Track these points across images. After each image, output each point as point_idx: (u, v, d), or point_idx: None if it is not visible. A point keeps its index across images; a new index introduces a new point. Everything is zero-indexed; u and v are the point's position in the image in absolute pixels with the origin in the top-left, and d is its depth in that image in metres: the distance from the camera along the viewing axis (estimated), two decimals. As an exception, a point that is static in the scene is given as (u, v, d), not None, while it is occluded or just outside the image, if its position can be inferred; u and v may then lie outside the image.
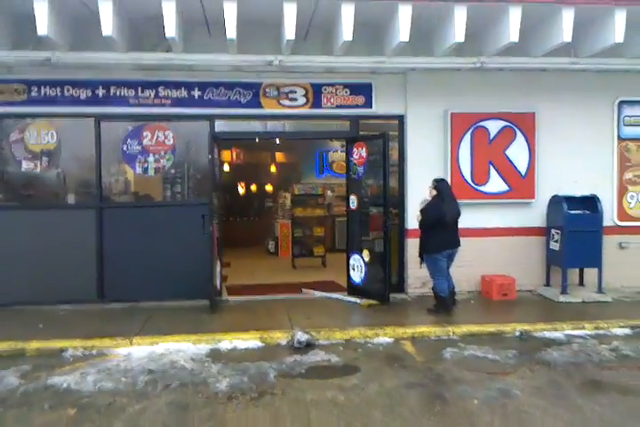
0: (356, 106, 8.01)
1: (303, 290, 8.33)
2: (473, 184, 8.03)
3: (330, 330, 6.36)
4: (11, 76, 7.47)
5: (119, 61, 7.06)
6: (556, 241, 7.87)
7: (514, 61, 7.53)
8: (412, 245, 7.72)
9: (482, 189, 8.05)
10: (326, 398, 4.65)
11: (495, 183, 8.05)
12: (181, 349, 5.92)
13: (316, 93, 7.94)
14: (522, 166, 8.10)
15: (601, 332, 6.53)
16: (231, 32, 6.41)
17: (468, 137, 8.00)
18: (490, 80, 8.02)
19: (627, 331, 6.54)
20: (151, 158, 7.86)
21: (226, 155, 15.23)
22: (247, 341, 6.14)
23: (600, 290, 7.76)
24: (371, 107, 8.03)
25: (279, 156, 15.33)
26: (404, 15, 6.52)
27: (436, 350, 5.87)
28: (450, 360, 5.57)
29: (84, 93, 7.60)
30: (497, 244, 8.20)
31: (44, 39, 6.37)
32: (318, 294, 8.14)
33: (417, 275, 7.96)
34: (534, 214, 8.26)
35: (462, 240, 7.34)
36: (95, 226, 7.75)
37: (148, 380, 5.07)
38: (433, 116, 8.06)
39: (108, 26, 6.17)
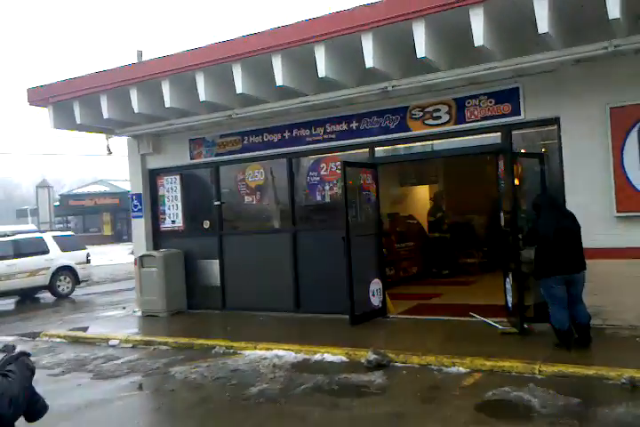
0: (503, 115, 7.41)
1: (471, 313, 8.00)
2: (643, 191, 6.45)
3: (413, 354, 6.29)
4: (231, 131, 9.65)
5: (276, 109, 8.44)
6: None
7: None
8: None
9: (656, 197, 6.38)
10: (311, 412, 5.01)
11: (676, 189, 6.28)
12: (282, 356, 6.86)
13: (459, 108, 7.68)
14: None
15: None
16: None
17: (634, 134, 6.47)
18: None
19: None
20: (327, 187, 8.92)
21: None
22: (335, 355, 6.64)
23: None
24: (519, 114, 7.30)
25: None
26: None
27: (493, 386, 5.26)
28: (486, 399, 5.00)
29: (275, 137, 9.23)
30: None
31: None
32: (478, 317, 7.74)
33: (587, 303, 6.69)
34: None
35: (633, 263, 6.09)
36: (291, 246, 9.22)
37: (222, 376, 6.25)
38: (591, 114, 6.81)
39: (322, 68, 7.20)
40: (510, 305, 7.26)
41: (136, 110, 8.55)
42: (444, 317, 8.10)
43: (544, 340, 6.43)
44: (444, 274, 11.97)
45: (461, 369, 5.86)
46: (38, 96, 9.29)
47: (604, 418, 4.45)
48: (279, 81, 7.27)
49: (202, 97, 7.92)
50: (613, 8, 5.50)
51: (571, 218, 6.03)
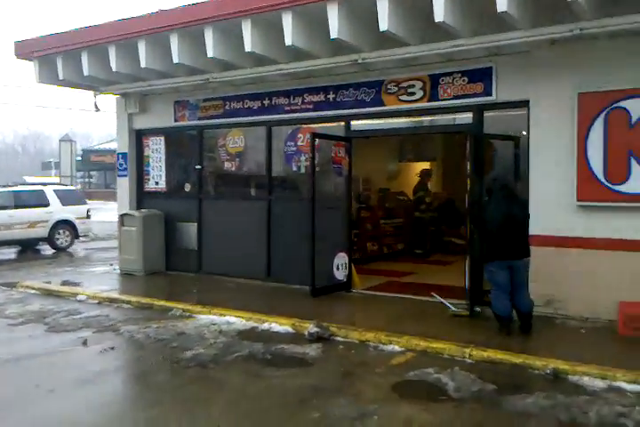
0: (475, 95, 7.22)
1: (432, 293, 7.98)
2: (605, 182, 6.25)
3: (354, 329, 6.34)
4: (213, 95, 9.58)
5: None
6: None
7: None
8: (539, 255, 6.54)
9: (618, 188, 6.18)
10: (232, 379, 5.09)
11: (637, 181, 6.08)
12: (232, 322, 6.97)
13: (433, 85, 7.50)
14: (684, 158, 5.89)
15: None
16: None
17: (600, 121, 6.26)
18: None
19: None
20: (303, 157, 8.85)
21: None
22: (282, 325, 6.71)
23: None
24: (490, 94, 7.11)
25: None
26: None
27: (418, 367, 5.29)
28: (406, 379, 5.04)
29: (255, 104, 9.15)
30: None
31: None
32: (438, 298, 7.71)
33: (541, 291, 6.67)
34: None
35: (594, 254, 6.04)
36: (265, 215, 9.23)
37: (166, 338, 6.37)
38: (559, 98, 6.61)
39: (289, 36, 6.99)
40: (467, 288, 7.23)
41: (114, 69, 8.53)
42: (407, 295, 8.12)
43: (490, 324, 6.40)
44: (418, 253, 11.92)
45: (396, 348, 5.90)
46: (24, 49, 9.32)
47: (508, 406, 4.45)
48: (248, 46, 7.16)
49: (175, 59, 7.86)
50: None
51: (520, 205, 5.95)
